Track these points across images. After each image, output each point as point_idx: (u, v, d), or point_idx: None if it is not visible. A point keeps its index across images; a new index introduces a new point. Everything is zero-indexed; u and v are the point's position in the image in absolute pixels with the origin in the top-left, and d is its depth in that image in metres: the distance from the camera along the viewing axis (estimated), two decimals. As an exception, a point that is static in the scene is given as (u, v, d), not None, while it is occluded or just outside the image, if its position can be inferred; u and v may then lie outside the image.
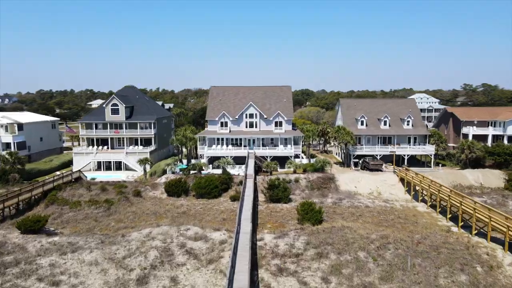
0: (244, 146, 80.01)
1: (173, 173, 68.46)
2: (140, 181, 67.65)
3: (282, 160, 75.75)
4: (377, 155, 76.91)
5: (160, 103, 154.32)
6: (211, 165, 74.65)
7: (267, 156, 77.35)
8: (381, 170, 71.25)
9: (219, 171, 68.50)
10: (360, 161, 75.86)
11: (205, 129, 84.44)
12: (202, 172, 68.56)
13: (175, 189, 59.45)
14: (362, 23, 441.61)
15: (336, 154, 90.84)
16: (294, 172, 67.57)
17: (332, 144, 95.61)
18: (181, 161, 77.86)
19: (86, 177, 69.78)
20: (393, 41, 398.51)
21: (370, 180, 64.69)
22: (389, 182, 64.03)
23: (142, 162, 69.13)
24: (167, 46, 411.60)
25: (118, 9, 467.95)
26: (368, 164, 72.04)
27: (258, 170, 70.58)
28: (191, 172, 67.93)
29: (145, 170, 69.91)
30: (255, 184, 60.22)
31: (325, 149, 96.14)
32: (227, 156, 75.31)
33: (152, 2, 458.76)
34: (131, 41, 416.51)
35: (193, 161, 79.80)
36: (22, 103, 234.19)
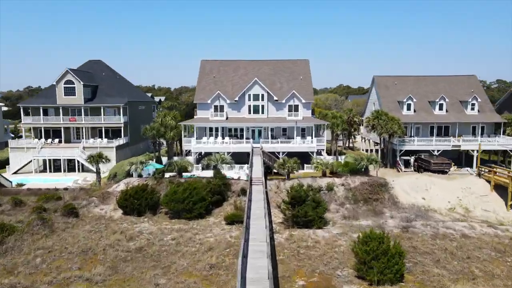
0: (247, 138, 55.25)
1: (140, 176, 43.31)
2: (90, 188, 42.79)
3: (298, 158, 50.96)
4: (433, 150, 52.19)
5: (149, 95, 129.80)
6: (200, 165, 49.87)
7: (278, 152, 52.65)
8: (445, 172, 46.54)
9: (211, 174, 43.49)
10: (411, 159, 51.03)
11: (195, 117, 59.50)
12: (185, 175, 43.64)
13: (135, 203, 34.38)
14: (362, 23, 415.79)
15: (367, 151, 65.91)
16: (324, 175, 42.61)
17: (361, 138, 70.70)
18: (159, 160, 53.08)
19: (10, 182, 44.86)
20: (393, 41, 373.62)
21: (443, 187, 39.82)
22: (476, 190, 39.12)
23: (93, 159, 43.93)
24: (167, 46, 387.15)
25: (118, 9, 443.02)
26: (429, 164, 47.18)
27: (266, 172, 45.93)
28: (167, 175, 43.04)
29: (97, 172, 44.67)
30: (265, 193, 35.34)
31: (350, 144, 71.31)
32: (223, 153, 50.58)
33: (152, 2, 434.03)
34: (131, 40, 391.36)
35: (176, 159, 54.98)
36: (7, 99, 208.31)
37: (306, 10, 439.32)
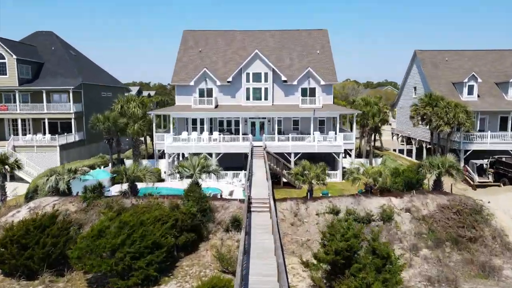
0: (244, 134, 37.91)
1: (66, 194, 25.43)
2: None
3: (316, 162, 33.77)
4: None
5: (136, 88, 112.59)
6: (178, 173, 32.03)
7: (289, 154, 35.40)
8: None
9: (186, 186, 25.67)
10: (485, 164, 33.46)
11: (176, 105, 41.89)
12: (144, 189, 25.94)
13: (22, 256, 16.96)
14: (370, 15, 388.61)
15: (402, 153, 48.42)
16: (369, 191, 24.83)
17: (392, 135, 53.17)
18: (118, 163, 35.74)
19: None
20: (406, 31, 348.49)
21: None
22: None
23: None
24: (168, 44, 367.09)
25: (115, 5, 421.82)
26: (523, 172, 29.78)
27: (272, 182, 28.68)
28: (116, 189, 25.51)
29: (1, 187, 26.97)
30: (277, 227, 17.62)
31: (375, 143, 53.55)
32: (205, 155, 33.40)
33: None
34: (129, 37, 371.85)
35: (144, 162, 37.63)
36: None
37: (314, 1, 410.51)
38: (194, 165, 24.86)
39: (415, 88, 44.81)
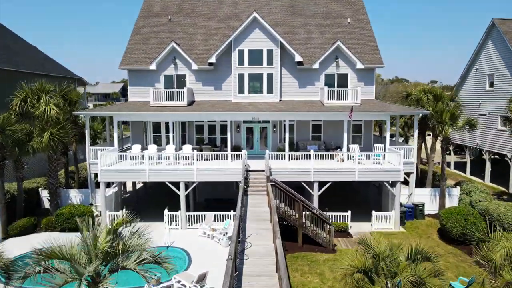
0: (235, 149, 22.62)
1: None
2: None
3: (340, 188, 18.51)
4: None
5: (120, 85, 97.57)
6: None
7: (310, 183, 20.05)
8: None
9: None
10: None
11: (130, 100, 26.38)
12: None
13: None
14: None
15: (463, 170, 33.04)
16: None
17: (444, 145, 37.48)
18: (20, 199, 20.50)
19: None
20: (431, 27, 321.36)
21: None
22: None
23: None
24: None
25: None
26: None
27: (285, 230, 13.44)
28: None
29: None
30: None
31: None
32: (173, 187, 18.12)
33: None
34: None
35: (72, 194, 22.35)
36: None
37: None
38: (89, 251, 9.31)
39: (490, 75, 29.31)
